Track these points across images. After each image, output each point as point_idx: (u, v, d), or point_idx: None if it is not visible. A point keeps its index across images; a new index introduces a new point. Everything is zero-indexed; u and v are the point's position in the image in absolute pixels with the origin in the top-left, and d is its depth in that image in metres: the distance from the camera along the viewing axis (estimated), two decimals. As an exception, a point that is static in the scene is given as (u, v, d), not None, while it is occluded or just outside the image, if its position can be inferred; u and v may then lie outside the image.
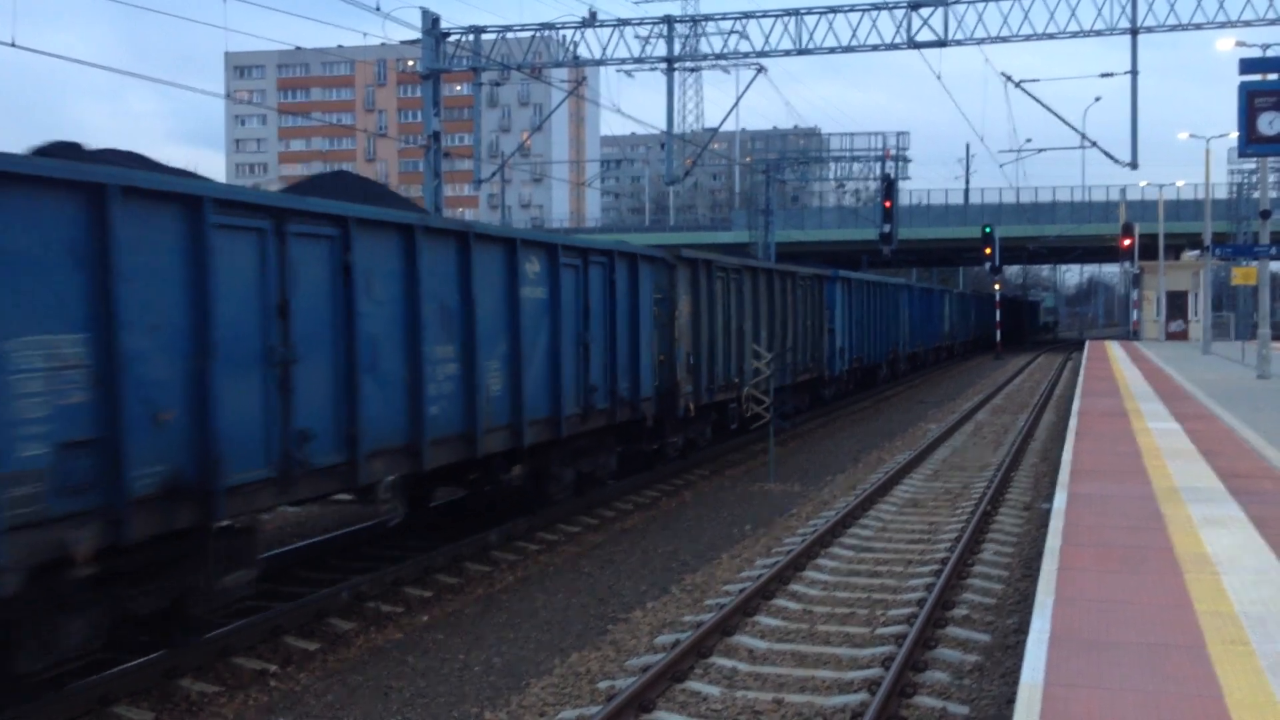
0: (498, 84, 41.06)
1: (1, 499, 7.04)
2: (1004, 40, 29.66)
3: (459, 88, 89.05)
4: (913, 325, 45.12)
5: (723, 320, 20.85)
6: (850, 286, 32.90)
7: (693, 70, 44.77)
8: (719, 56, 32.13)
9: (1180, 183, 72.63)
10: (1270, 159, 36.54)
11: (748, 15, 30.82)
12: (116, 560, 7.98)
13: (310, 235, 9.84)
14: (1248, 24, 28.87)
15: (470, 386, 12.26)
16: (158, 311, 8.19)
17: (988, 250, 56.61)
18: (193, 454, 8.48)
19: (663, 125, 33.68)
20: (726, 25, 31.21)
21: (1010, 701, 7.52)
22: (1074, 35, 29.57)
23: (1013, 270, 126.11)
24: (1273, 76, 21.57)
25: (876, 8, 29.91)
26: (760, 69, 36.15)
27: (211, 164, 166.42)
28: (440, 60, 30.69)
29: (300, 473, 9.61)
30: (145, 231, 8.11)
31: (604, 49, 31.32)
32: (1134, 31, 29.17)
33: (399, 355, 11.11)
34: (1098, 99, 59.74)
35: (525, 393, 13.34)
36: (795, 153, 73.02)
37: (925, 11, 29.31)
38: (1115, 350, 50.03)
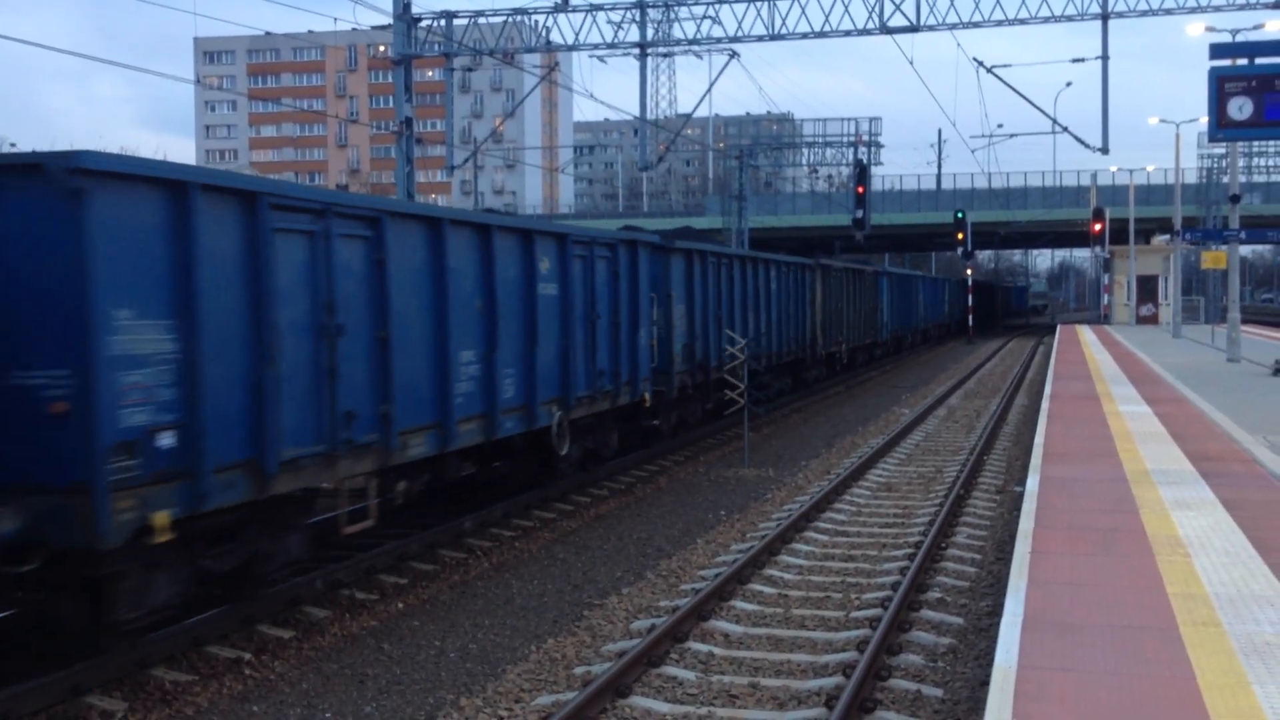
0: (470, 69, 40.84)
1: (646, 373, 18.03)
2: (976, 26, 29.68)
3: (431, 73, 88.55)
4: (925, 307, 58.12)
5: (833, 303, 33.73)
6: (892, 278, 46.59)
7: (665, 56, 44.70)
8: (692, 42, 32.01)
9: (1150, 168, 73.04)
10: (1240, 144, 36.79)
11: (720, 0, 30.74)
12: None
13: (729, 265, 23.23)
14: (1218, 9, 28.99)
15: (769, 331, 26.39)
16: (690, 300, 20.87)
17: (960, 235, 56.78)
18: (702, 357, 21.38)
19: (636, 111, 33.57)
20: (699, 10, 31.07)
21: (984, 683, 7.56)
22: (1045, 20, 29.62)
23: (984, 255, 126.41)
24: (1242, 61, 21.63)
25: (849, -7, 29.89)
26: (733, 54, 36.08)
27: (181, 150, 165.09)
28: (412, 45, 30.46)
29: (713, 369, 22.17)
30: (685, 265, 20.82)
31: (577, 34, 31.15)
32: (1105, 17, 29.24)
33: (752, 316, 24.79)
34: (1069, 84, 60.03)
35: (786, 337, 28.25)
36: (768, 138, 72.72)
37: (897, -3, 29.28)
38: (1087, 334, 50.33)
